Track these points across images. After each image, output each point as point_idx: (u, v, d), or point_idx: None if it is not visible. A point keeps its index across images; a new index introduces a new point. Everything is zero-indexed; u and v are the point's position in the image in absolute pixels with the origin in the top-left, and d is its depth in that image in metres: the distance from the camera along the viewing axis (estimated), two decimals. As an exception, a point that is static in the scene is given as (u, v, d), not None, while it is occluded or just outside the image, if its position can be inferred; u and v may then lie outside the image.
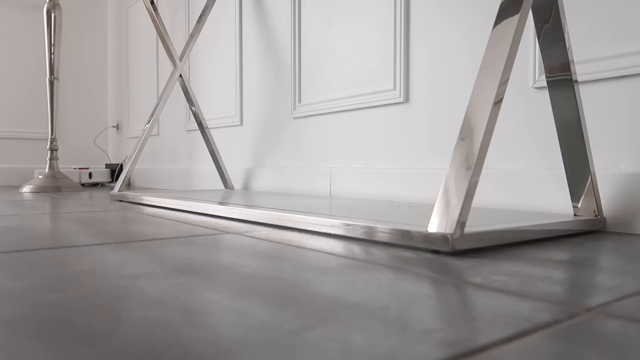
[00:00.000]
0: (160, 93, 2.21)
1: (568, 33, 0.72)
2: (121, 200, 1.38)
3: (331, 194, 1.32)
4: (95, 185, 2.39)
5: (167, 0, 2.21)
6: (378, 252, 0.58)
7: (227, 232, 0.74)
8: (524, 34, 0.63)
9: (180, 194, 1.31)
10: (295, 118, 1.49)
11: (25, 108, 2.60)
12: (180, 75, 1.65)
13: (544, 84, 0.88)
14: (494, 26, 0.61)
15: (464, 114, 0.59)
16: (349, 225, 0.67)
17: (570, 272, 0.48)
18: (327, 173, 1.33)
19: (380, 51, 1.20)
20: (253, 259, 0.54)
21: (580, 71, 0.82)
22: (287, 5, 1.50)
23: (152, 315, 0.33)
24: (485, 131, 0.56)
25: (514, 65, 0.92)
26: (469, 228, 0.58)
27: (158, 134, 2.30)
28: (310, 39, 1.42)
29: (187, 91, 1.68)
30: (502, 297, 0.39)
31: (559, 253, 0.58)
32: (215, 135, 1.86)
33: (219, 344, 0.28)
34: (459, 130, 0.59)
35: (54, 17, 2.00)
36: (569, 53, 0.72)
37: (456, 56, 1.04)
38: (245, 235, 0.71)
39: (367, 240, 0.66)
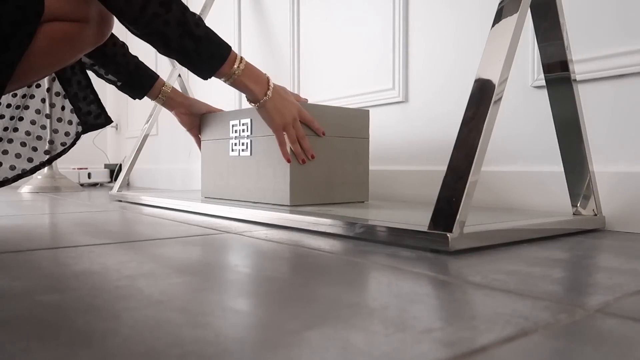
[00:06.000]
0: (159, 93, 2.20)
1: (566, 32, 0.72)
2: (120, 201, 1.38)
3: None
4: (94, 185, 2.39)
5: (166, 0, 2.21)
6: (377, 252, 0.58)
7: (226, 232, 0.74)
8: (522, 32, 0.63)
9: (180, 194, 1.31)
10: (294, 117, 1.49)
11: (23, 108, 2.59)
12: (179, 75, 1.65)
13: (543, 82, 0.88)
14: (493, 25, 0.61)
15: (463, 112, 0.59)
16: (348, 224, 0.67)
17: (570, 270, 0.49)
18: (326, 172, 1.33)
19: (379, 50, 1.20)
20: (252, 258, 0.54)
21: (579, 70, 0.82)
22: (286, 5, 1.50)
23: (152, 315, 0.33)
24: (484, 130, 0.56)
25: (513, 63, 0.92)
26: (468, 227, 0.58)
27: (157, 134, 2.30)
28: (309, 38, 1.42)
29: (186, 91, 1.68)
30: (502, 296, 0.39)
31: (558, 252, 0.58)
32: (214, 134, 1.86)
33: (218, 344, 0.28)
34: (458, 129, 0.59)
35: (53, 17, 1.99)
36: (567, 52, 0.72)
37: (455, 55, 1.04)
38: (244, 235, 0.71)
39: (367, 240, 0.66)
